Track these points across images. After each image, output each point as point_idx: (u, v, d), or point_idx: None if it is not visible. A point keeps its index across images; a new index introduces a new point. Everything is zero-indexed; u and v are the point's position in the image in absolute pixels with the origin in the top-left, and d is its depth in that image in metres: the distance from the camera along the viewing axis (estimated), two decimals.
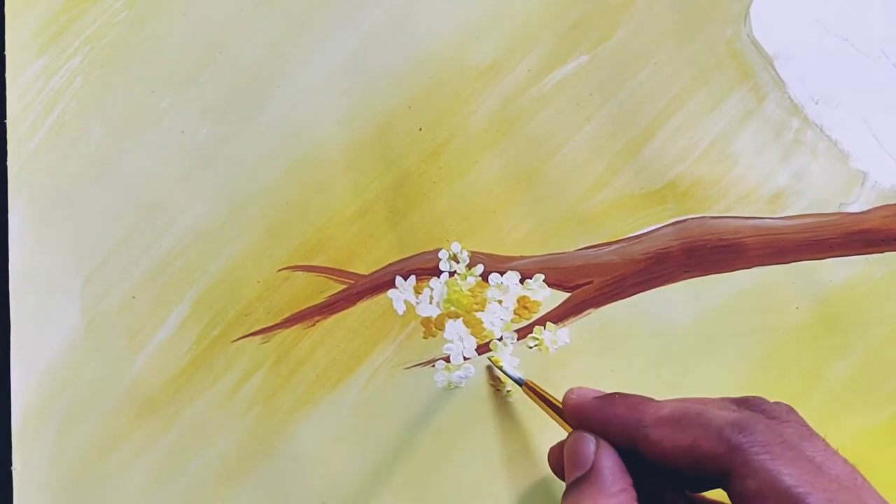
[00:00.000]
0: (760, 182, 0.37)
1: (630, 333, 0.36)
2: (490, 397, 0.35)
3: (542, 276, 0.36)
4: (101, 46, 0.38)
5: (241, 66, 0.38)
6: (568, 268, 0.36)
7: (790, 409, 0.25)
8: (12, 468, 0.35)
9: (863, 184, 0.37)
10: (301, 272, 0.36)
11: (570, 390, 0.28)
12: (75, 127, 0.38)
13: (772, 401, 0.26)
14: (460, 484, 0.35)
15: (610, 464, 0.26)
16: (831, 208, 0.37)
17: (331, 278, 0.36)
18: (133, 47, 0.38)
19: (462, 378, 0.35)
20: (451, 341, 0.36)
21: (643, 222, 0.37)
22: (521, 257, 0.37)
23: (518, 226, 0.37)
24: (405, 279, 0.36)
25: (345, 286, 0.36)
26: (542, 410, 0.31)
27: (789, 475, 0.22)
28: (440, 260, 0.36)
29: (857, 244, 0.36)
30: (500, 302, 0.36)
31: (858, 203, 0.37)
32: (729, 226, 0.37)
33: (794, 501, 0.22)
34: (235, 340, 0.36)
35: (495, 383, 0.35)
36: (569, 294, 0.36)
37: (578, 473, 0.26)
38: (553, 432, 0.31)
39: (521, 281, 0.36)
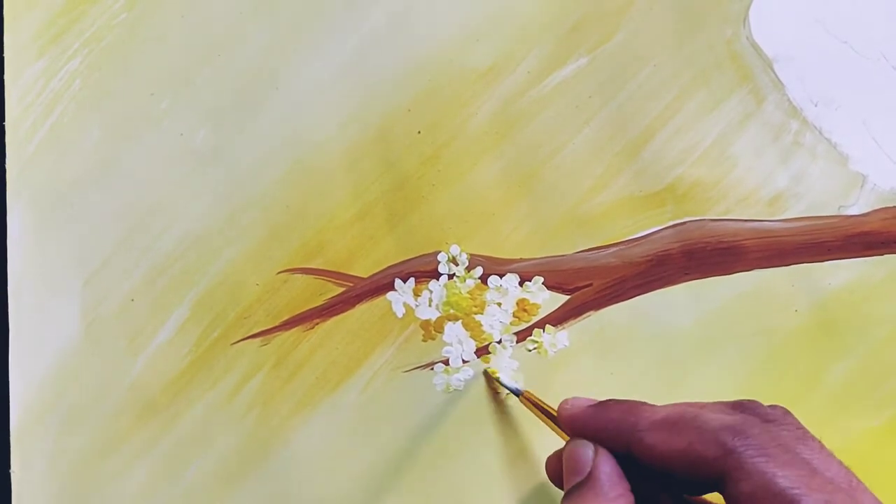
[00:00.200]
0: (760, 184, 0.37)
1: (630, 336, 0.36)
2: (489, 400, 0.35)
3: (542, 279, 0.36)
4: (100, 48, 0.38)
5: (241, 68, 0.38)
6: (567, 270, 0.36)
7: (786, 412, 0.25)
8: (11, 471, 0.35)
9: (862, 186, 0.37)
10: (300, 275, 0.36)
11: (565, 401, 0.28)
12: (75, 129, 0.37)
13: (768, 404, 0.26)
14: (460, 486, 0.35)
15: (608, 469, 0.26)
16: (830, 211, 0.37)
17: (330, 281, 0.36)
18: (132, 49, 0.38)
19: (461, 381, 0.35)
20: (451, 344, 0.36)
21: (642, 224, 0.37)
22: (521, 260, 0.36)
23: (517, 228, 0.37)
24: (404, 282, 0.36)
25: (344, 289, 0.36)
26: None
27: (784, 477, 0.22)
28: (439, 262, 0.36)
29: (857, 247, 0.36)
30: (499, 304, 0.36)
31: (858, 205, 0.37)
32: (728, 228, 0.37)
33: None
34: (235, 343, 0.36)
35: (494, 386, 0.35)
36: (568, 297, 0.36)
37: (577, 479, 0.26)
38: (552, 434, 0.31)
39: (521, 283, 0.36)
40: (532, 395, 0.32)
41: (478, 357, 0.36)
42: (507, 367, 0.35)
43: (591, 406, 0.28)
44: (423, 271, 0.36)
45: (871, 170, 0.37)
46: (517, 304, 0.36)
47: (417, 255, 0.36)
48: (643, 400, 0.27)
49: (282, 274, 0.36)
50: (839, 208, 0.37)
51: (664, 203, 0.37)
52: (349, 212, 0.37)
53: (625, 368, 0.36)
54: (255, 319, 0.36)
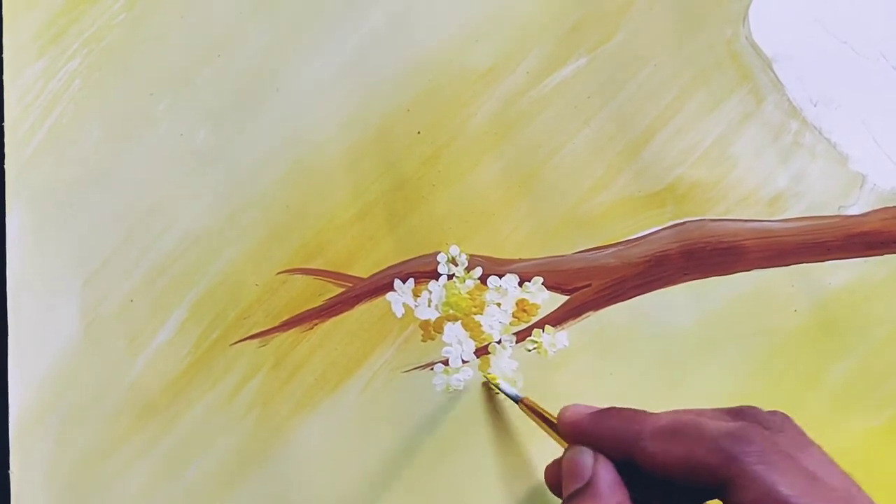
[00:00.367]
0: (760, 184, 0.37)
1: (629, 336, 0.36)
2: (488, 400, 0.35)
3: (541, 279, 0.36)
4: (99, 49, 0.38)
5: (240, 68, 0.38)
6: (567, 270, 0.36)
7: (785, 418, 0.25)
8: (10, 472, 0.35)
9: (862, 186, 0.37)
10: (300, 275, 0.36)
11: (565, 407, 0.28)
12: (74, 129, 0.38)
13: (768, 409, 0.26)
14: (459, 486, 0.35)
15: (608, 476, 0.26)
16: (830, 211, 0.37)
17: (329, 281, 0.36)
18: (132, 50, 0.38)
19: (461, 381, 0.35)
20: (450, 344, 0.36)
21: (642, 225, 0.37)
22: (520, 260, 0.36)
23: (517, 228, 0.37)
24: (404, 282, 0.36)
25: (343, 289, 0.36)
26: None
27: (786, 485, 0.22)
28: (439, 263, 0.36)
29: (857, 247, 0.36)
30: (498, 305, 0.36)
31: (857, 205, 0.37)
32: (728, 228, 0.37)
33: None
34: (234, 343, 0.36)
35: (493, 392, 0.35)
36: (568, 297, 0.36)
37: (576, 486, 0.26)
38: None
39: (520, 284, 0.36)
40: (531, 401, 0.32)
41: (477, 357, 0.36)
42: (507, 367, 0.35)
43: (591, 413, 0.27)
44: (423, 272, 0.36)
45: (870, 170, 0.37)
46: (517, 304, 0.36)
47: (417, 255, 0.36)
48: (643, 400, 0.27)
49: (281, 274, 0.36)
50: (839, 208, 0.37)
51: (664, 203, 0.37)
52: (349, 212, 0.37)
53: (624, 369, 0.36)
54: (254, 320, 0.36)
